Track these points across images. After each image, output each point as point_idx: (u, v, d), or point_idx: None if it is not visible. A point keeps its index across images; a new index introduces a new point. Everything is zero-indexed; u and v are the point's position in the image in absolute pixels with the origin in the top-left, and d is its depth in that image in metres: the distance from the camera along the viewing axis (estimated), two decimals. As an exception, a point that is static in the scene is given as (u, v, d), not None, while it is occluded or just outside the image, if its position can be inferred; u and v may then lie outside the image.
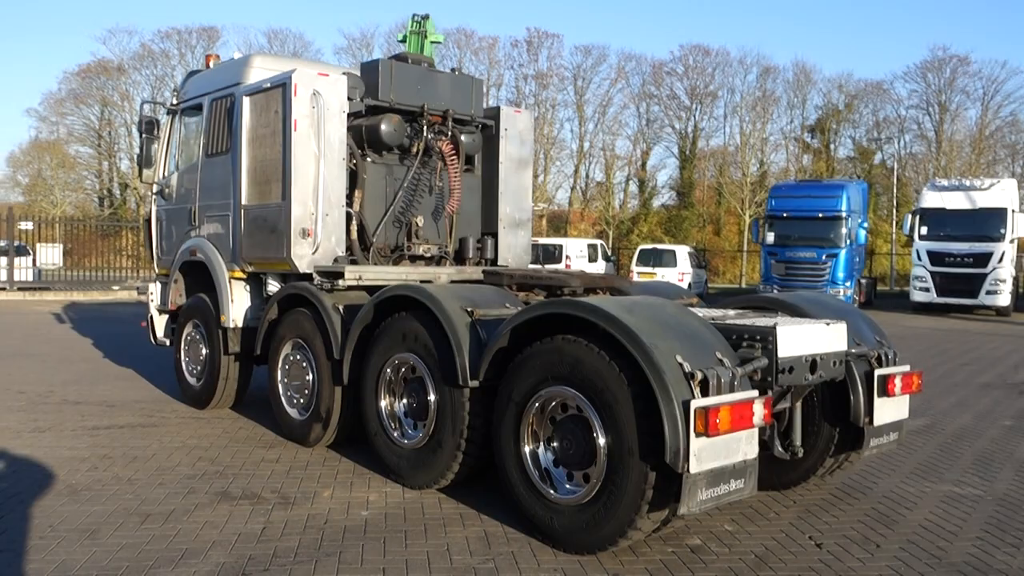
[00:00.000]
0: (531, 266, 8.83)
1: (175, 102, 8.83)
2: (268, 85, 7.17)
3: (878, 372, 5.40)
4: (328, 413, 6.50)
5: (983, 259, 22.81)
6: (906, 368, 5.64)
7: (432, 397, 5.51)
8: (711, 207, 56.19)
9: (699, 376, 4.21)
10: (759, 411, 4.33)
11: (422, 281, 6.90)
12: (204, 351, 8.14)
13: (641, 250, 28.74)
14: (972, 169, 51.21)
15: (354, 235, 7.30)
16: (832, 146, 58.03)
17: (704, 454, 4.13)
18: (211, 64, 8.76)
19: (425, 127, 7.62)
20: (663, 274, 24.00)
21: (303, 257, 6.93)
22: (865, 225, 24.14)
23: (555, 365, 4.68)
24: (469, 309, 5.44)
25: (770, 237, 23.60)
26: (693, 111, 57.23)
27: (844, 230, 22.66)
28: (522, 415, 4.87)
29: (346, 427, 6.59)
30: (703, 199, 56.87)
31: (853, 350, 5.38)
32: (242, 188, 7.47)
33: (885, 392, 5.42)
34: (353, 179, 7.31)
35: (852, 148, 58.08)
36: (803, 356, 4.88)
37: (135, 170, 9.23)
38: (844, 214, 22.72)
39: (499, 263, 8.30)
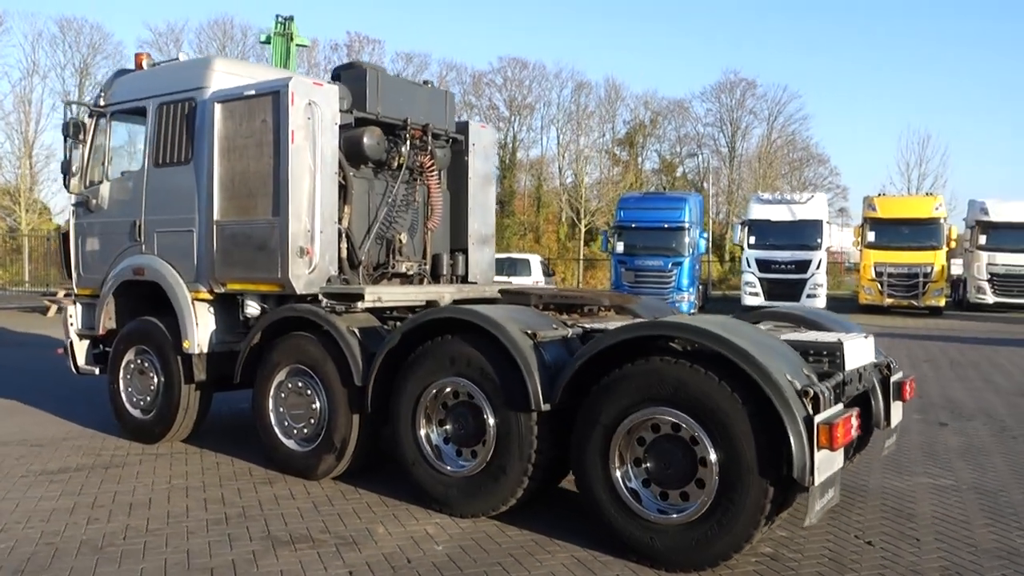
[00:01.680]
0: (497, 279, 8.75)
1: (102, 103, 7.95)
2: (252, 92, 6.67)
3: (893, 379, 5.92)
4: (344, 443, 6.14)
5: (803, 266, 25.18)
6: (901, 374, 6.22)
7: (491, 422, 5.37)
8: (531, 216, 57.75)
9: (811, 393, 4.44)
10: (854, 423, 4.64)
11: (428, 302, 6.74)
12: (155, 380, 7.39)
13: (495, 259, 29.16)
14: (760, 183, 56.26)
15: (343, 252, 6.94)
16: (640, 159, 61.52)
17: (823, 467, 4.38)
18: (144, 64, 7.97)
19: (408, 141, 7.39)
20: (518, 282, 24.42)
21: (300, 277, 6.51)
22: (704, 235, 25.88)
23: (654, 387, 4.73)
24: (529, 332, 5.37)
25: (619, 247, 24.70)
26: (512, 122, 58.62)
27: (687, 240, 24.18)
28: (611, 438, 4.88)
29: (360, 457, 6.26)
30: (523, 208, 58.33)
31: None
32: (214, 202, 6.89)
33: (900, 396, 5.95)
34: (341, 194, 6.94)
35: (657, 161, 61.92)
36: (857, 368, 5.27)
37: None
38: (687, 225, 24.25)
39: (469, 280, 8.20)
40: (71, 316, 8.17)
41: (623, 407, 4.84)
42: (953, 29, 73.61)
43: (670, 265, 23.96)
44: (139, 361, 7.55)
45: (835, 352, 5.07)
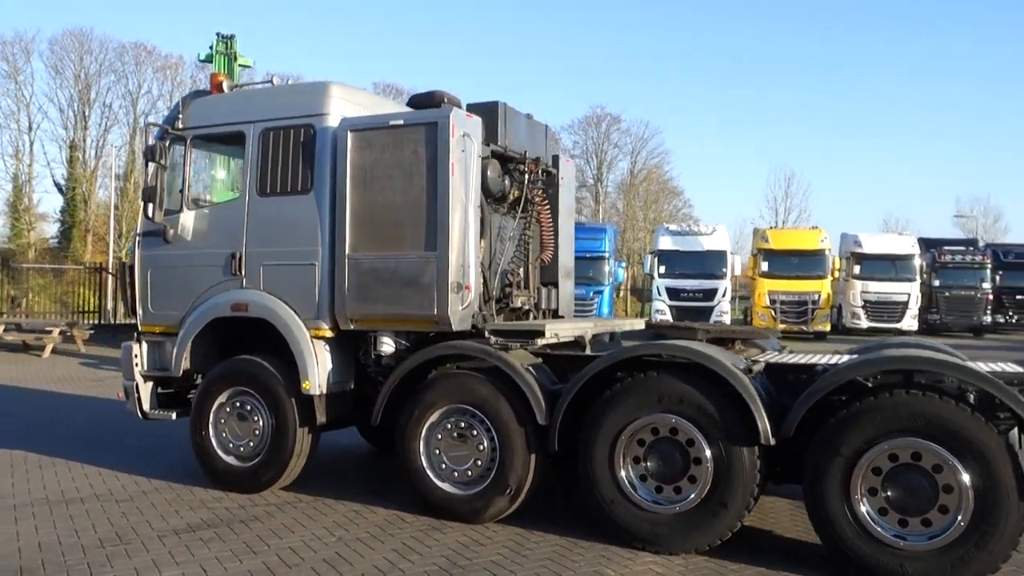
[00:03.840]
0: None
1: (179, 126, 7.35)
2: (401, 122, 6.43)
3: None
4: (520, 484, 5.97)
5: (710, 294, 26.51)
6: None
7: (708, 455, 5.42)
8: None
9: (1056, 421, 4.84)
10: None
11: (576, 337, 6.71)
12: (261, 424, 6.89)
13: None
14: (625, 214, 58.71)
15: (481, 287, 6.79)
16: (512, 188, 62.43)
17: (1072, 490, 4.78)
18: (225, 86, 7.47)
19: (527, 175, 7.34)
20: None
21: (456, 313, 6.31)
22: (623, 265, 26.71)
23: (904, 419, 4.97)
24: (741, 368, 5.49)
25: (541, 275, 25.05)
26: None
27: (607, 268, 24.91)
28: (853, 469, 5.08)
29: (530, 498, 6.12)
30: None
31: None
32: (345, 235, 6.56)
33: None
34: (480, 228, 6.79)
35: (528, 191, 63.07)
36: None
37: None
38: (607, 254, 24.98)
39: (558, 313, 8.18)
40: (136, 356, 7.45)
41: (867, 438, 5.05)
42: (808, 73, 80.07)
43: (592, 293, 24.52)
44: (237, 404, 7.00)
45: (1026, 382, 5.51)
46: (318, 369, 6.67)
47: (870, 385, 5.44)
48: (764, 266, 28.69)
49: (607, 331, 7.23)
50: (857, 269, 30.39)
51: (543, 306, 7.87)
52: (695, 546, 5.50)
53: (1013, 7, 75.19)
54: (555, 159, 8.17)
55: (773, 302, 28.17)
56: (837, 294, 30.79)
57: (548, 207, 7.63)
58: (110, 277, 27.42)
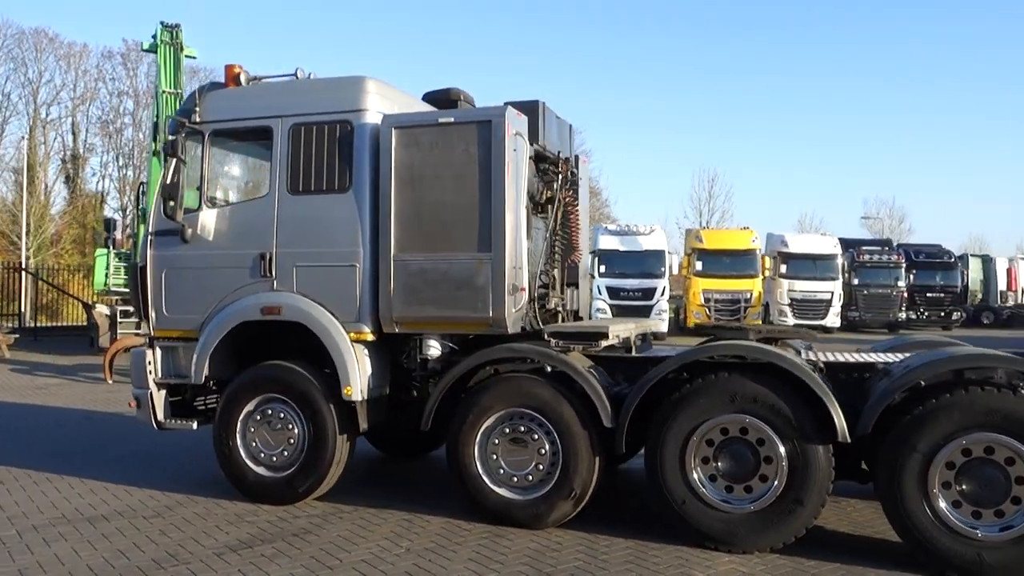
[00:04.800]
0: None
1: (197, 120, 6.95)
2: (451, 120, 6.26)
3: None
4: (584, 488, 5.90)
5: (650, 293, 26.93)
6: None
7: (782, 453, 5.47)
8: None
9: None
10: None
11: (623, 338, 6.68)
12: (296, 432, 6.58)
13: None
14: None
15: (526, 289, 6.68)
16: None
17: None
18: (242, 78, 7.09)
19: (559, 176, 7.26)
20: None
21: (511, 315, 6.18)
22: (566, 264, 26.80)
23: (979, 415, 5.14)
24: (812, 368, 5.58)
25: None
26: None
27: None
28: (930, 464, 5.22)
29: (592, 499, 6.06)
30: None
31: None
32: (390, 235, 6.34)
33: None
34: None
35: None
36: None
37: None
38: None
39: (579, 314, 8.13)
40: (149, 362, 7.01)
41: (944, 434, 5.19)
42: (723, 77, 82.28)
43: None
44: (268, 412, 6.67)
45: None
46: (359, 374, 6.43)
47: (923, 384, 5.58)
48: (698, 265, 29.35)
49: (642, 332, 7.23)
50: (784, 268, 31.37)
51: (568, 307, 7.80)
52: (770, 544, 5.55)
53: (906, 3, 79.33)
54: (576, 159, 8.12)
55: (707, 300, 28.83)
56: (765, 292, 31.85)
57: (578, 208, 7.57)
58: (28, 277, 25.91)
